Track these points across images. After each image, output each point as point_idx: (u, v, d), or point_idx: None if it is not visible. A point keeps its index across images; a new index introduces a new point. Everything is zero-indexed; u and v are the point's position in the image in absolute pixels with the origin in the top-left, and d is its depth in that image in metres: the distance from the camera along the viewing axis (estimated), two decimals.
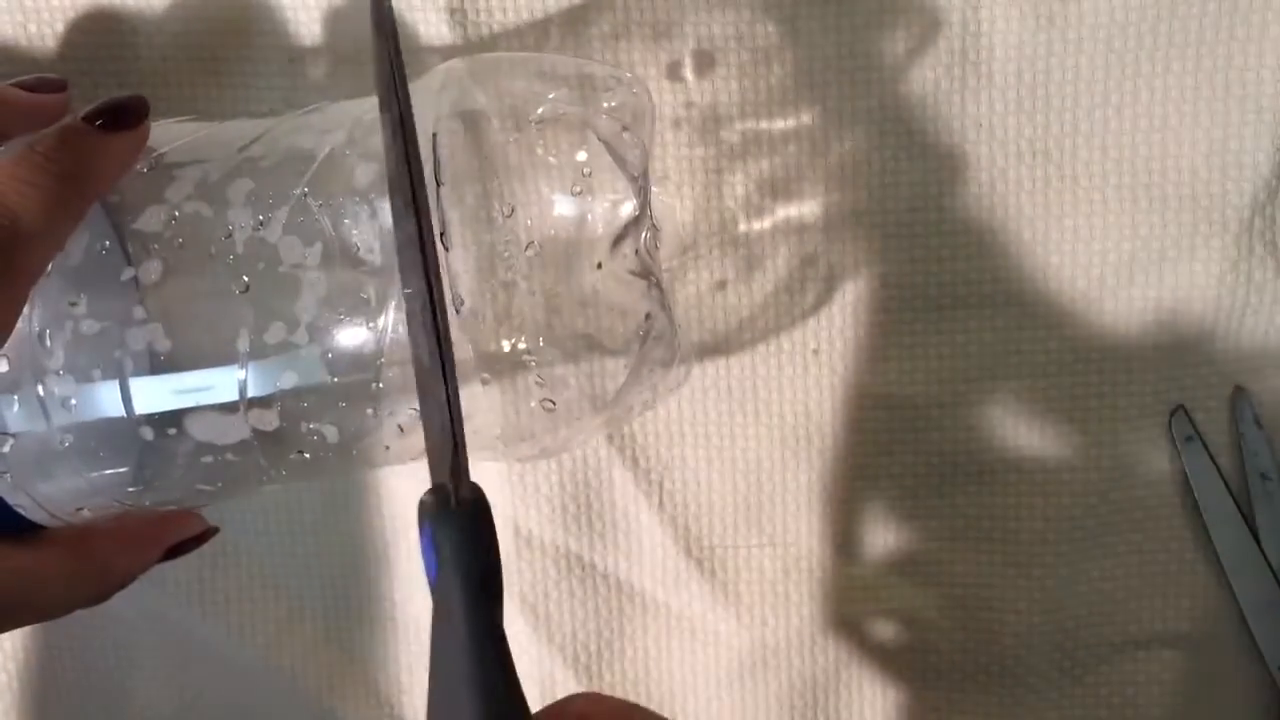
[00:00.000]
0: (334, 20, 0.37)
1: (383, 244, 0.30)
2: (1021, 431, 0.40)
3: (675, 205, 0.38)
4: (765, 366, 0.39)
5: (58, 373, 0.29)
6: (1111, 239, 0.38)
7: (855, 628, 0.41)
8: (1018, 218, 0.38)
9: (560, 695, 0.42)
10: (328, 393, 0.31)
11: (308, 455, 0.32)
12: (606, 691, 0.42)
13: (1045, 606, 0.41)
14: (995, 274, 0.38)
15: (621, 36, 0.37)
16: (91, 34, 0.38)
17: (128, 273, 0.30)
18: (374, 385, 0.31)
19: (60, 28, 0.37)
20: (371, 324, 0.30)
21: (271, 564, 0.42)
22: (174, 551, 0.35)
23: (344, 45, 0.38)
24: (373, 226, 0.30)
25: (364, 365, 0.31)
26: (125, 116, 0.30)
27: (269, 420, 0.30)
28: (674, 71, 0.37)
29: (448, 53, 0.37)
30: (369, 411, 0.32)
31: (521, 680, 0.42)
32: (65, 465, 0.30)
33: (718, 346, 0.39)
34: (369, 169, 0.30)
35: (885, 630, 0.42)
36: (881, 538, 0.41)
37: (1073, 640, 0.41)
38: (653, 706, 0.42)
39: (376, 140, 0.30)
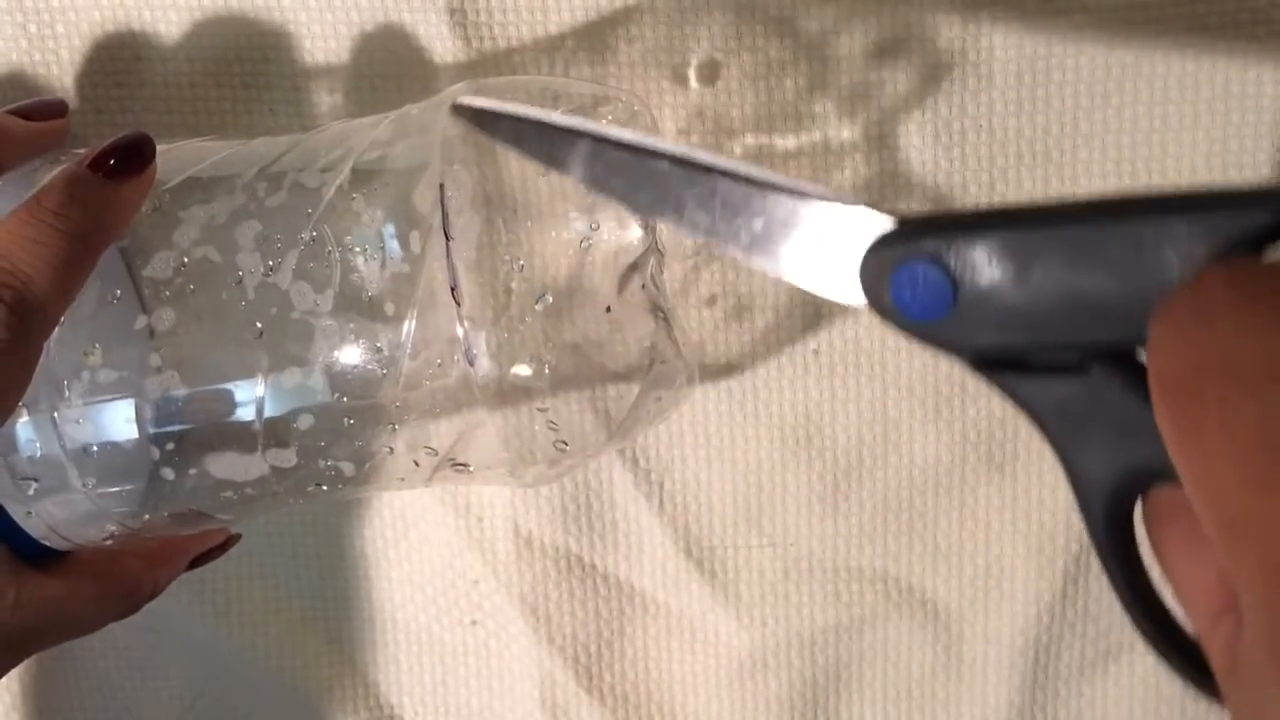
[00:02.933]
0: (341, 42, 0.37)
1: (393, 289, 0.30)
2: (1023, 426, 0.40)
3: None
4: (765, 367, 0.39)
5: (77, 421, 0.29)
6: None
7: (855, 628, 0.41)
8: None
9: (560, 695, 0.42)
10: (344, 432, 0.31)
11: (325, 487, 0.32)
12: (606, 692, 0.42)
13: (1050, 604, 0.41)
14: None
15: (624, 39, 0.37)
16: (94, 37, 0.38)
17: (141, 321, 0.30)
18: (391, 427, 0.31)
19: (61, 29, 0.37)
20: (386, 367, 0.30)
21: (272, 565, 0.42)
22: (199, 560, 0.36)
23: (351, 66, 0.37)
24: (383, 272, 0.30)
25: (379, 406, 0.31)
26: (133, 160, 0.29)
27: (287, 458, 0.31)
28: (679, 76, 0.37)
29: (449, 58, 0.37)
30: (386, 449, 0.32)
31: (521, 680, 0.42)
32: (88, 503, 0.31)
33: (718, 349, 0.39)
34: (374, 215, 0.30)
35: (885, 630, 0.42)
36: (882, 537, 0.41)
37: (1080, 638, 0.41)
38: (653, 706, 0.42)
39: (379, 182, 0.31)
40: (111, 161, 0.29)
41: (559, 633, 0.42)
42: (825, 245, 0.24)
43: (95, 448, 0.30)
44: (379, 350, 0.30)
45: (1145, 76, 0.37)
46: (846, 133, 0.38)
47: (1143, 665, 0.41)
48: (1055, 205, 0.22)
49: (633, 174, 0.25)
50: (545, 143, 0.26)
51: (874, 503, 0.40)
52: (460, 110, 0.28)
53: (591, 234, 0.32)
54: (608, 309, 0.32)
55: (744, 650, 0.42)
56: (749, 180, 0.24)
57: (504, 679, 0.43)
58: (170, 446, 0.30)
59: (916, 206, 0.38)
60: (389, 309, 0.30)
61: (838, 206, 0.24)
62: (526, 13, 0.37)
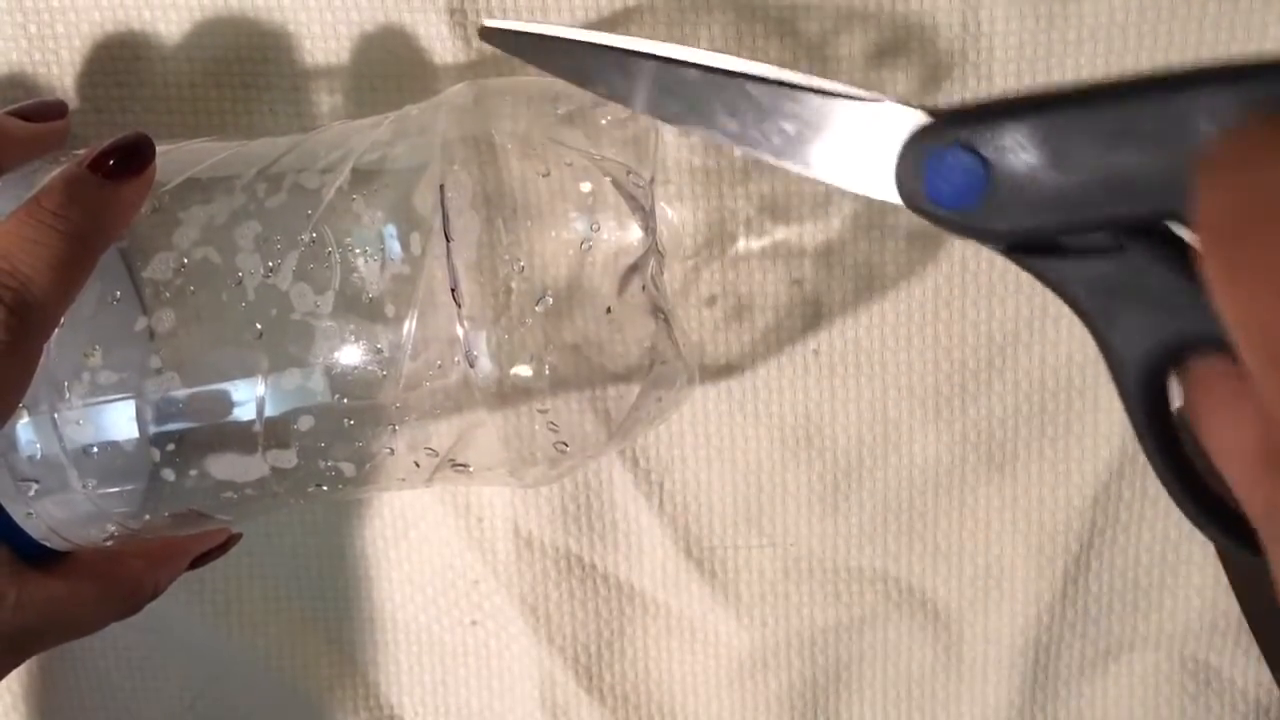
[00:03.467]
0: (341, 42, 0.37)
1: (393, 290, 0.30)
2: (1023, 426, 0.40)
3: (677, 209, 0.38)
4: (765, 367, 0.39)
5: (77, 422, 0.30)
6: None
7: (855, 628, 0.41)
8: None
9: (560, 695, 0.42)
10: (344, 433, 0.31)
11: (325, 488, 0.32)
12: (606, 692, 0.42)
13: (1050, 604, 0.41)
14: (996, 271, 0.38)
15: None
16: (94, 37, 0.38)
17: (141, 322, 0.30)
18: (391, 428, 0.31)
19: (61, 29, 0.37)
20: (386, 368, 0.30)
21: (272, 565, 0.42)
22: (199, 560, 0.36)
23: (350, 66, 0.37)
24: (383, 273, 0.30)
25: (380, 407, 0.31)
26: (132, 160, 0.29)
27: (287, 459, 0.31)
28: None
29: (449, 58, 0.37)
30: (386, 450, 0.32)
31: (521, 680, 0.42)
32: (88, 504, 0.31)
33: (718, 349, 0.39)
34: (375, 216, 0.31)
35: (885, 630, 0.42)
36: (882, 537, 0.41)
37: (1080, 638, 0.41)
38: (653, 706, 0.42)
39: (379, 183, 0.31)
40: (111, 162, 0.29)
41: (559, 633, 0.42)
42: (856, 143, 0.24)
43: (95, 448, 0.30)
44: (379, 351, 0.30)
45: None
46: None
47: (1142, 665, 0.42)
48: (1086, 85, 0.22)
49: (661, 85, 0.25)
50: (573, 60, 0.26)
51: (874, 503, 0.40)
52: (486, 33, 0.28)
53: (592, 235, 0.32)
54: (608, 310, 0.32)
55: (744, 650, 0.42)
56: (778, 83, 0.24)
57: (504, 679, 0.43)
58: (171, 447, 0.30)
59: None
60: (389, 310, 0.30)
61: (867, 104, 0.24)
62: (526, 13, 0.37)
